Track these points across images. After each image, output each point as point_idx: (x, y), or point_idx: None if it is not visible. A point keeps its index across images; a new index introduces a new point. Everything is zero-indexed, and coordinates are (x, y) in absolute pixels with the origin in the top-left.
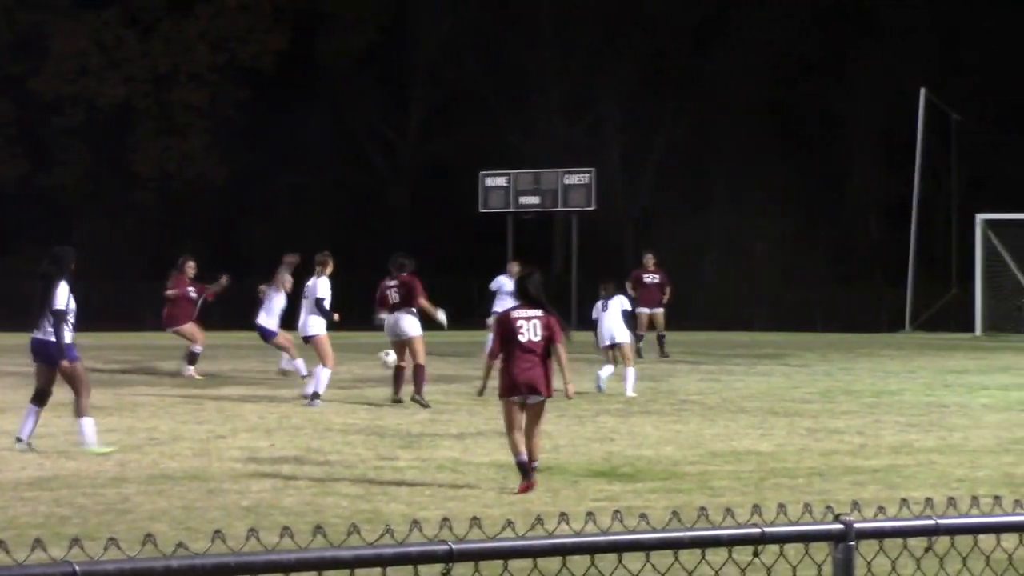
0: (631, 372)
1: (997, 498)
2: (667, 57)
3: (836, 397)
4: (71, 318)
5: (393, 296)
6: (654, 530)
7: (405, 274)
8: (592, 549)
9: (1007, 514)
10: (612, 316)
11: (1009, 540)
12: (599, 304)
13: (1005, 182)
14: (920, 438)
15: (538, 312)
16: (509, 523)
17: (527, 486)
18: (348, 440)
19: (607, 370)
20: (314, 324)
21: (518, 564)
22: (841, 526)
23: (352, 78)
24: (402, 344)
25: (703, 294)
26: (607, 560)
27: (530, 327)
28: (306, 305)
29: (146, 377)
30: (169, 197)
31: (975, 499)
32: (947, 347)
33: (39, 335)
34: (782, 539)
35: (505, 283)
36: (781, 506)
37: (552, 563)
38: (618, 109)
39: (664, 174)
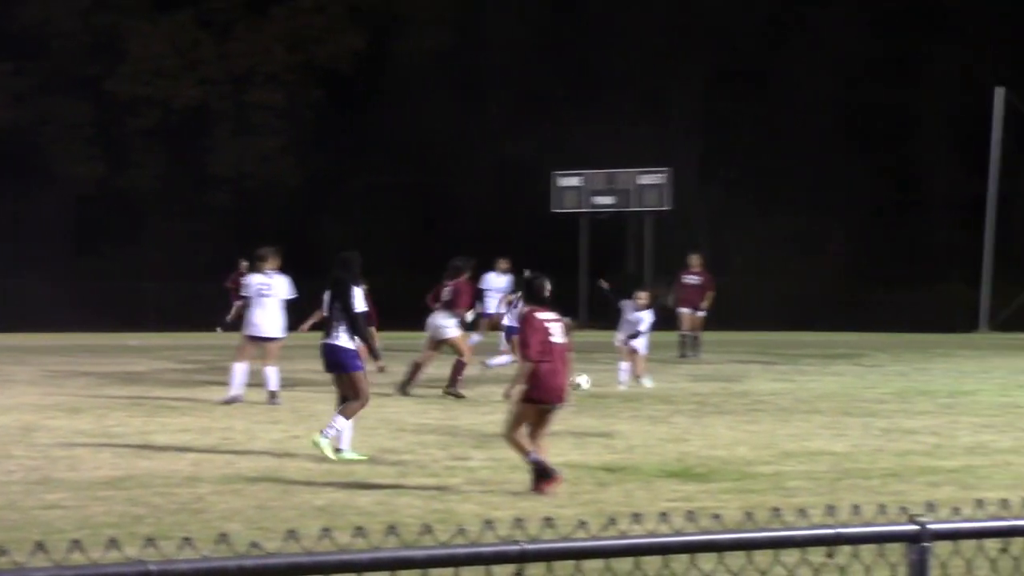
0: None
1: None
2: (738, 57)
3: (911, 397)
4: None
5: (445, 295)
6: (728, 530)
7: (460, 280)
8: (665, 550)
9: None
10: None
11: None
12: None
13: None
14: (996, 439)
15: (555, 315)
16: (582, 523)
17: (550, 483)
18: (421, 440)
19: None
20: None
21: (591, 564)
22: (916, 527)
23: (426, 78)
24: (438, 342)
25: (775, 294)
26: (680, 560)
27: (555, 330)
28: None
29: (220, 377)
30: (244, 198)
31: None
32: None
33: (331, 341)
34: (856, 540)
35: (493, 280)
36: (855, 507)
37: (625, 563)
38: (690, 110)
39: (737, 174)
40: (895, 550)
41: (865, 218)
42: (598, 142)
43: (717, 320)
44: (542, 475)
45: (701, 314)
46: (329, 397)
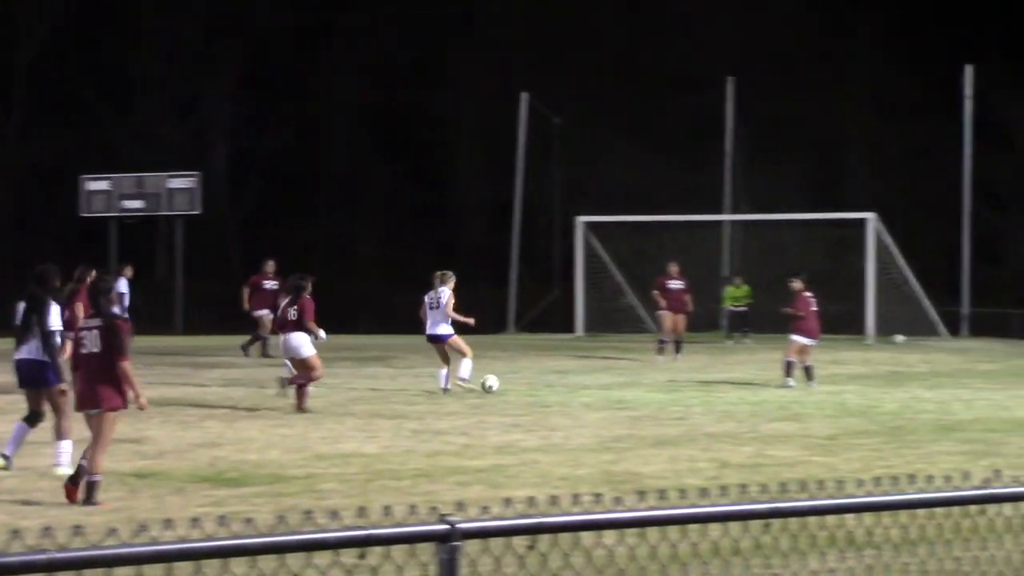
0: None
1: (597, 496)
2: (271, 59)
3: (441, 399)
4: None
5: (292, 315)
6: (260, 534)
7: (304, 298)
8: (196, 555)
9: (607, 511)
10: None
11: (609, 536)
12: None
13: (604, 184)
14: (523, 438)
15: (98, 322)
16: (112, 531)
17: (71, 490)
18: None
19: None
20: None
21: (122, 572)
22: (446, 526)
23: None
24: (298, 362)
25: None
26: (212, 566)
27: (91, 338)
28: (436, 314)
29: None
30: None
31: (576, 497)
32: (549, 348)
33: (27, 356)
34: (387, 541)
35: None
36: (386, 508)
37: (156, 570)
38: (224, 112)
39: (272, 177)
40: (426, 549)
41: (397, 221)
42: (129, 145)
43: (248, 321)
44: (73, 482)
45: (264, 312)
46: None
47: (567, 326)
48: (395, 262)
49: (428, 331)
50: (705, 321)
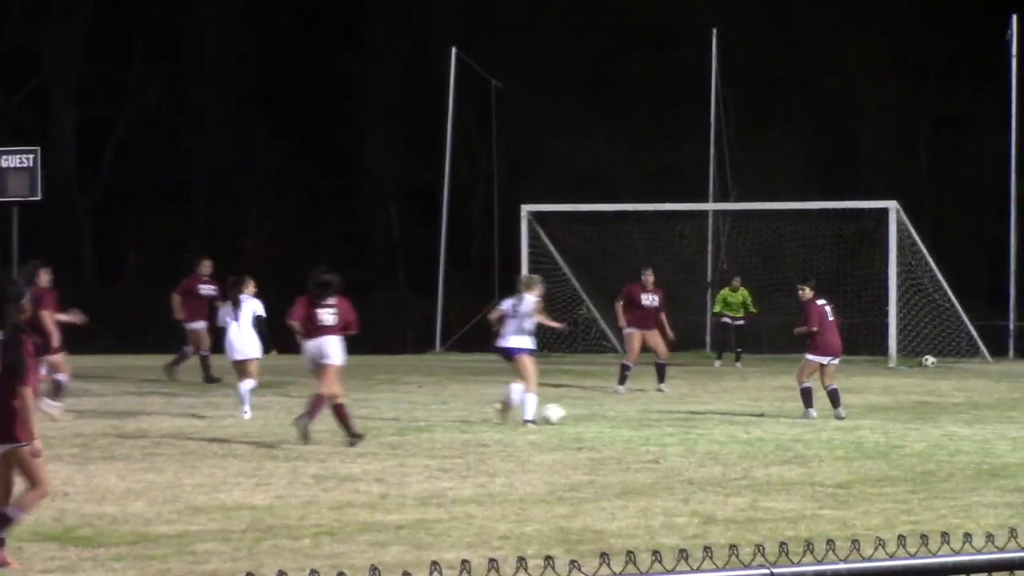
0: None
1: (548, 559)
2: (130, 4)
3: (359, 448)
4: None
5: (328, 317)
6: None
7: (341, 297)
8: None
9: None
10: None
11: None
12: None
13: (555, 165)
14: (454, 486)
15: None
16: None
17: None
18: None
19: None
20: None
21: None
22: None
23: None
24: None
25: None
26: None
27: None
28: (514, 324)
29: None
30: None
31: (522, 560)
32: (487, 371)
33: None
34: None
35: None
36: (281, 574)
37: None
38: (68, 73)
39: (131, 153)
40: None
41: (292, 209)
42: None
43: (86, 341)
44: None
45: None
46: None
47: None
48: (289, 261)
49: (499, 342)
50: (685, 337)
